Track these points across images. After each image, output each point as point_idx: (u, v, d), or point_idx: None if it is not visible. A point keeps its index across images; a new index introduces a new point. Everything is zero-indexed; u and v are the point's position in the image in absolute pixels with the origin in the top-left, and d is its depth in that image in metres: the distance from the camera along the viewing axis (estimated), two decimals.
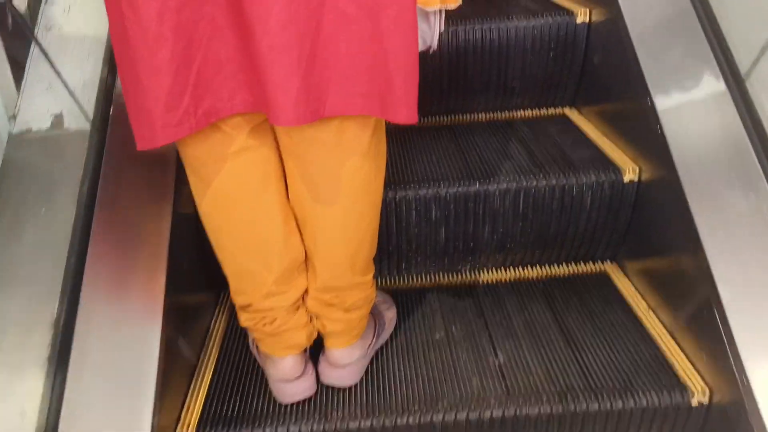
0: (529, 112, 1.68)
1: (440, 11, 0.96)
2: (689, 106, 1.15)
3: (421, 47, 1.00)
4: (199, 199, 1.03)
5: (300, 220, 1.07)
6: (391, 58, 0.86)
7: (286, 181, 1.05)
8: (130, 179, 1.14)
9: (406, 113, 0.89)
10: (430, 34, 0.98)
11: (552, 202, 1.34)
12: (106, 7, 0.87)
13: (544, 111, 1.68)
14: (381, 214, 1.12)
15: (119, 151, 1.14)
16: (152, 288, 1.07)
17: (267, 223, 1.04)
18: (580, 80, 1.62)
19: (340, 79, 0.88)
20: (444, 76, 1.60)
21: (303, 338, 1.11)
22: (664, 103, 1.17)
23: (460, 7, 1.55)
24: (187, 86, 0.87)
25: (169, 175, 1.19)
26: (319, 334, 1.15)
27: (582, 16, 1.55)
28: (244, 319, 1.11)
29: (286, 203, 1.06)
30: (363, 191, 1.04)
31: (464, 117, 1.68)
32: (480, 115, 1.68)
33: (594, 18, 1.53)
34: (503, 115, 1.68)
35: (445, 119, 1.67)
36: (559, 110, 1.68)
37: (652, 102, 1.18)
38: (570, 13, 1.56)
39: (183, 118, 0.88)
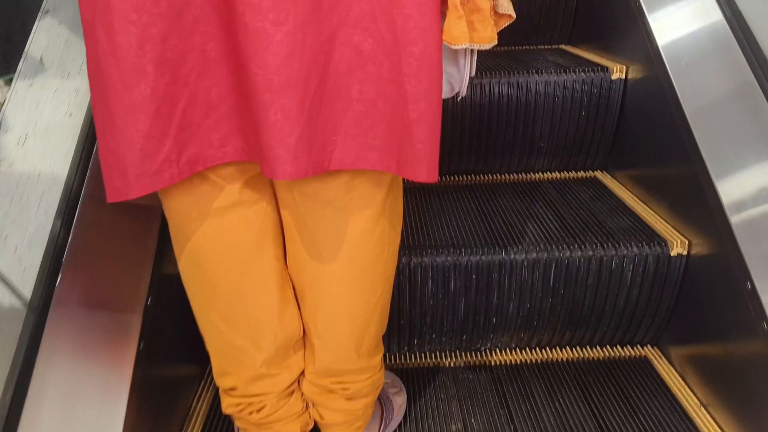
0: (557, 175, 1.54)
1: (471, 52, 0.83)
2: (755, 183, 0.99)
3: (448, 93, 0.87)
4: (179, 257, 0.88)
5: (298, 290, 0.92)
6: (411, 104, 0.72)
7: (284, 243, 0.91)
8: (103, 240, 0.99)
9: (427, 171, 0.74)
10: (458, 78, 0.85)
11: (587, 275, 1.18)
12: (84, 32, 0.74)
13: (573, 174, 1.54)
14: (393, 283, 0.96)
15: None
16: (119, 359, 0.91)
17: (260, 292, 0.89)
18: (614, 142, 1.48)
19: (350, 128, 0.75)
20: (465, 132, 1.47)
21: (296, 430, 0.94)
22: (724, 178, 1.01)
23: (484, 59, 1.43)
24: (170, 129, 0.73)
25: (153, 225, 1.05)
26: (315, 424, 0.97)
27: (618, 72, 1.42)
28: (228, 405, 0.94)
29: (284, 269, 0.91)
30: (374, 259, 0.88)
31: (487, 177, 1.54)
32: (504, 176, 1.54)
33: (631, 75, 1.41)
34: (529, 177, 1.53)
35: (466, 179, 1.53)
36: (590, 173, 1.54)
37: (708, 174, 1.03)
38: (604, 70, 1.43)
39: (162, 166, 0.74)
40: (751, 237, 0.95)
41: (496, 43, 0.82)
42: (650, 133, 1.31)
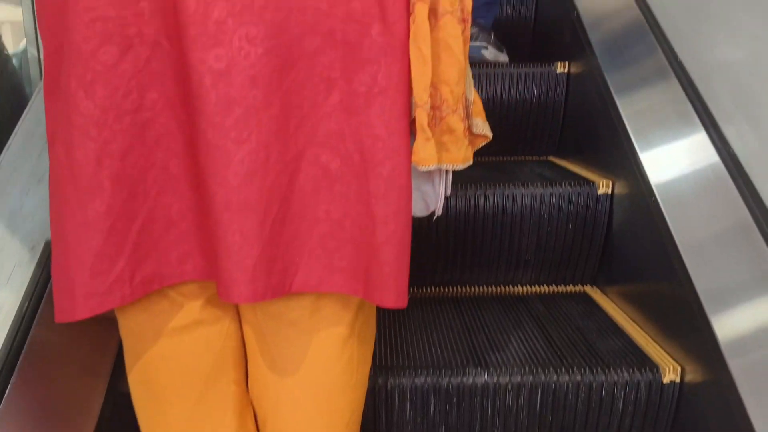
0: (545, 288, 1.49)
1: (446, 171, 0.81)
2: (752, 322, 0.93)
3: (423, 211, 0.84)
4: (129, 374, 0.82)
5: (260, 418, 0.85)
6: (379, 227, 0.69)
7: (246, 365, 0.85)
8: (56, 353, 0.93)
9: (395, 296, 0.70)
10: (434, 197, 0.82)
11: (576, 402, 1.10)
12: (48, 147, 0.72)
13: (562, 288, 1.49)
14: (368, 403, 0.89)
15: None
16: None
17: (216, 420, 0.82)
18: (603, 257, 1.45)
19: (315, 249, 0.71)
20: (450, 243, 1.44)
21: None
22: (719, 313, 0.96)
23: (471, 170, 1.42)
24: (124, 247, 0.70)
25: (111, 345, 0.99)
26: None
27: (604, 187, 1.41)
28: None
29: (245, 394, 0.85)
30: (341, 385, 0.82)
31: (473, 289, 1.49)
32: (491, 288, 1.50)
33: (617, 191, 1.39)
34: (516, 290, 1.49)
35: (451, 290, 1.48)
36: (579, 288, 1.49)
37: (702, 308, 0.98)
38: (590, 184, 1.42)
39: (114, 286, 0.70)
40: (746, 373, 0.89)
41: (471, 163, 0.80)
42: (640, 253, 1.27)
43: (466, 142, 0.77)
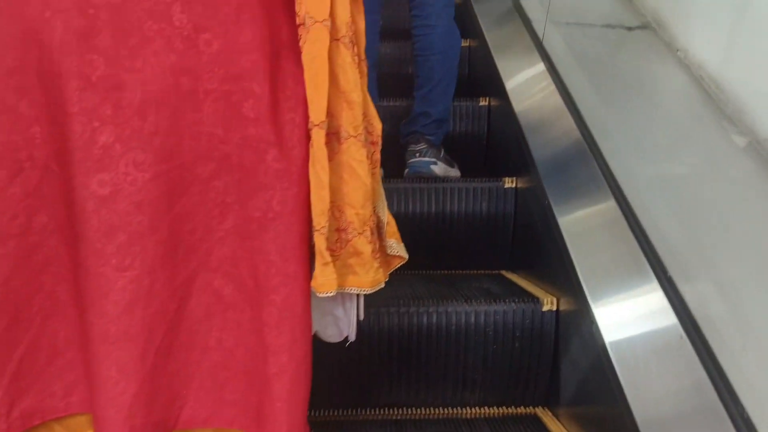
0: (494, 410, 1.43)
1: (357, 295, 0.78)
2: None
3: (336, 337, 0.81)
4: None
5: None
6: (271, 357, 0.65)
7: None
8: None
9: None
10: (346, 321, 0.79)
11: None
12: None
13: (512, 410, 1.43)
14: None
15: None
16: None
17: None
18: (552, 376, 1.40)
19: (205, 380, 0.67)
20: (393, 363, 1.39)
21: None
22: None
23: (417, 285, 1.39)
24: (1, 379, 0.65)
25: None
26: None
27: (548, 304, 1.39)
28: None
29: None
30: None
31: (418, 411, 1.42)
32: (437, 410, 1.43)
33: (562, 307, 1.37)
34: (464, 412, 1.42)
35: (394, 413, 1.41)
36: (530, 410, 1.43)
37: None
38: (535, 300, 1.40)
39: None
40: None
41: (382, 285, 0.77)
42: (584, 376, 1.23)
43: (376, 264, 0.75)
